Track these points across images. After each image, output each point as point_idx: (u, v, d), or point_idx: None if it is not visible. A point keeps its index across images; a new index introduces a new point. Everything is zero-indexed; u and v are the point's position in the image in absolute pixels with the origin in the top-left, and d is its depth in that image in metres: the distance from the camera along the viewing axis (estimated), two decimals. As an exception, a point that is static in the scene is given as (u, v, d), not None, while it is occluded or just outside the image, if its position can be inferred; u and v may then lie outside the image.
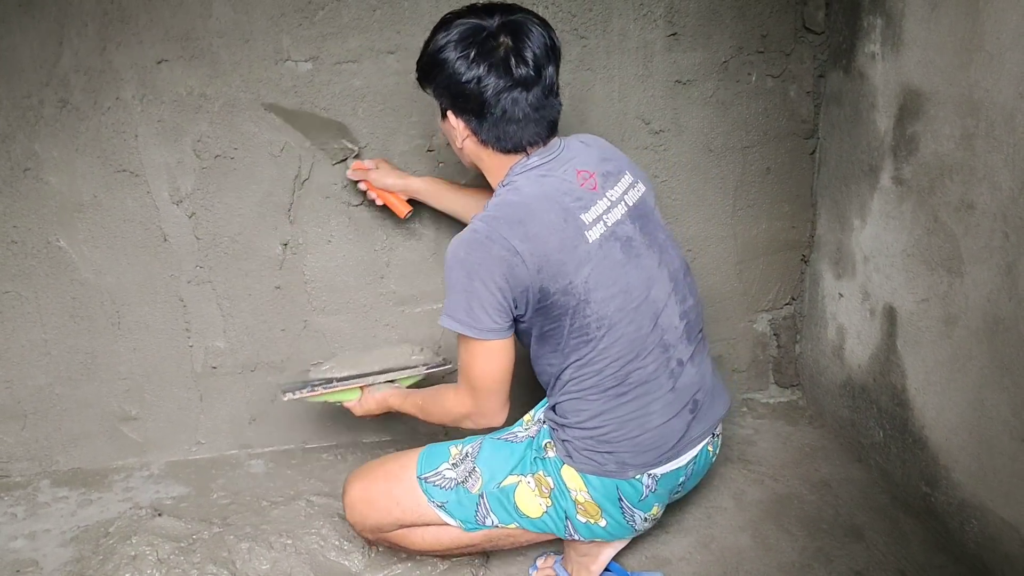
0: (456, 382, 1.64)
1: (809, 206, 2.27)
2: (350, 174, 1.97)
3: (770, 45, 2.11)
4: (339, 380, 1.88)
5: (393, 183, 1.93)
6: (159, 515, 1.97)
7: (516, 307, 1.50)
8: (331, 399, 1.89)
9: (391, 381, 1.87)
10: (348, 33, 1.95)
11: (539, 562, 1.79)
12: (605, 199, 1.55)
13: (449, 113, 1.56)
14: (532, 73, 1.49)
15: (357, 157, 2.02)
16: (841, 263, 2.14)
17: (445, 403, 1.66)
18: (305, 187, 2.06)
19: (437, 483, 1.62)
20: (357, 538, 1.84)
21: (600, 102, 2.09)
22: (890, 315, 1.93)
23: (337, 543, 1.84)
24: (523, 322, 1.55)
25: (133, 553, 1.81)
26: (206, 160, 2.00)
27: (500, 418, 1.61)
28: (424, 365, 1.91)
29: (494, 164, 1.60)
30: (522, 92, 1.49)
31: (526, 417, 1.74)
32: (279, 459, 2.23)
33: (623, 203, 1.57)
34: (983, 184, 1.58)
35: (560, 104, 1.58)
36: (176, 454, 2.24)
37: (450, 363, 1.94)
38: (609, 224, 1.53)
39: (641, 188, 1.63)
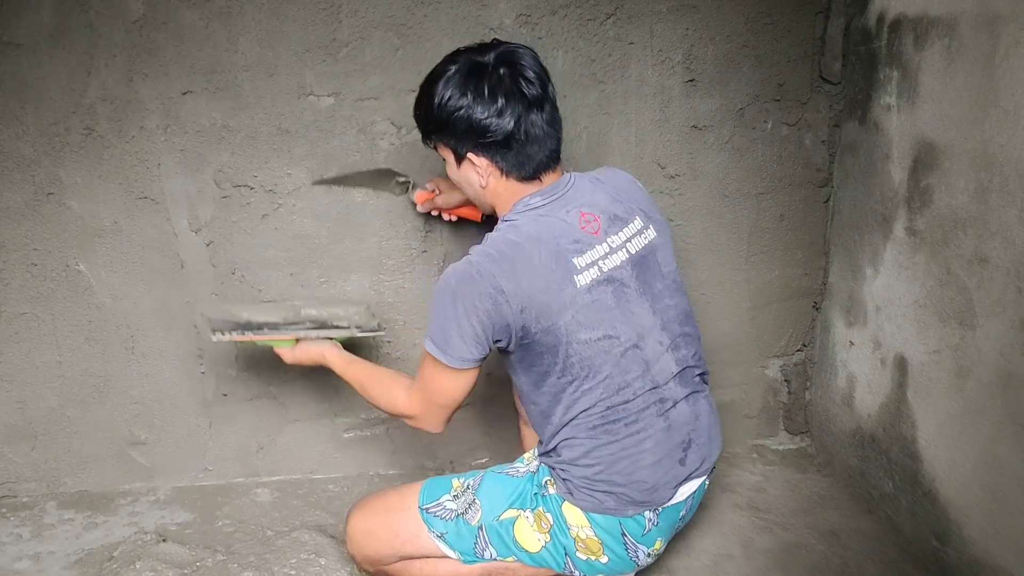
0: (410, 378, 1.68)
1: (822, 254, 2.27)
2: (421, 208, 2.01)
3: (786, 94, 2.13)
4: (270, 328, 1.83)
5: (460, 198, 1.92)
6: (164, 541, 1.97)
7: (499, 340, 1.54)
8: (263, 344, 1.86)
9: (328, 338, 1.85)
10: (370, 71, 1.98)
11: None
12: (605, 244, 1.55)
13: (470, 155, 1.58)
14: (540, 91, 1.54)
15: (413, 187, 2.04)
16: (853, 311, 2.13)
17: (393, 397, 1.68)
18: (322, 219, 2.08)
19: (438, 514, 1.64)
20: (361, 571, 1.83)
21: (617, 146, 2.11)
22: (901, 365, 1.92)
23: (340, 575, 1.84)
24: (511, 353, 1.58)
25: (136, 579, 1.82)
26: (226, 189, 2.03)
27: (440, 429, 1.66)
28: (358, 328, 1.87)
29: (510, 197, 1.61)
30: (537, 112, 1.54)
31: (527, 454, 1.75)
32: (285, 489, 2.23)
33: (624, 250, 1.57)
34: (996, 238, 1.58)
35: (561, 120, 1.61)
36: (183, 480, 2.25)
37: (384, 331, 1.95)
38: (605, 270, 1.54)
39: (650, 234, 1.62)
